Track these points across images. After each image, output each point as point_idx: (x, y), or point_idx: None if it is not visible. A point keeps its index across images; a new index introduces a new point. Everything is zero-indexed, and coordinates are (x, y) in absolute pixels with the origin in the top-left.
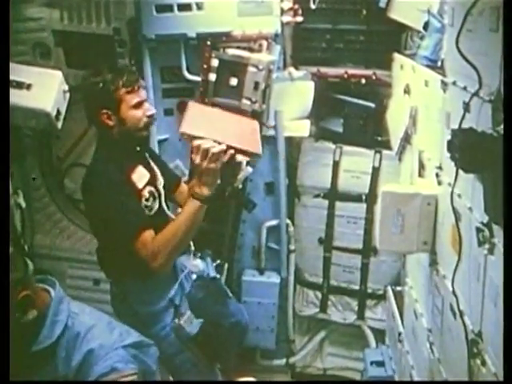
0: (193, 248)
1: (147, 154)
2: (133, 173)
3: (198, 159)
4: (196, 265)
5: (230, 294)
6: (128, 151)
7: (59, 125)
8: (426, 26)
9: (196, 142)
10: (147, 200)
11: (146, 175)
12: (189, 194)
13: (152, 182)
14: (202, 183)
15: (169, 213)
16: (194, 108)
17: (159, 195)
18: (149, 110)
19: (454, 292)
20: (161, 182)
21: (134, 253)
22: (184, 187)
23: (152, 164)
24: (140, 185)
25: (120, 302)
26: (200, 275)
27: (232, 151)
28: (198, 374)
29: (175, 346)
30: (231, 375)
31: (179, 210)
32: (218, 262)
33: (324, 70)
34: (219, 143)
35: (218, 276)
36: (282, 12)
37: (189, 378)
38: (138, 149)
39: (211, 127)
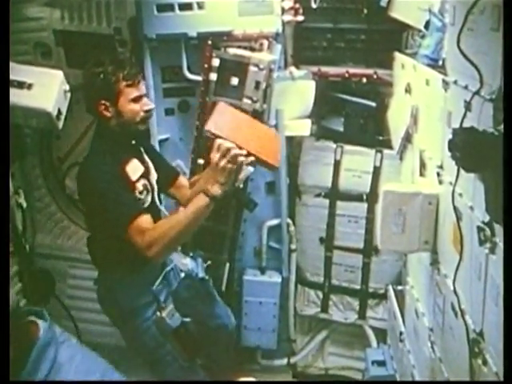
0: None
1: (143, 149)
2: (127, 165)
3: (216, 157)
4: (185, 263)
5: (218, 297)
6: (124, 144)
7: (60, 124)
8: (427, 25)
9: (218, 141)
10: (140, 193)
11: (140, 168)
12: (196, 190)
13: (146, 175)
14: (215, 181)
15: (161, 207)
16: (222, 109)
17: (152, 189)
18: (147, 105)
19: (455, 291)
20: (154, 176)
21: (129, 241)
22: (182, 182)
23: (146, 158)
24: (134, 177)
25: (105, 293)
26: (188, 274)
27: (252, 158)
28: (179, 368)
29: (156, 339)
30: (220, 375)
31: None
32: (209, 263)
33: (325, 69)
34: (240, 148)
35: (207, 277)
36: (283, 11)
37: (169, 372)
38: (134, 142)
39: (235, 131)
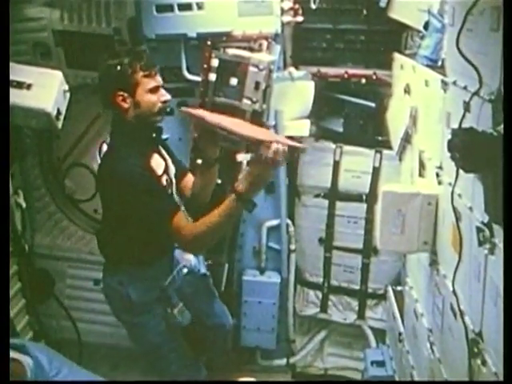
0: None
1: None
2: (151, 160)
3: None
4: (188, 259)
5: (217, 296)
6: (144, 138)
7: (59, 125)
8: (426, 25)
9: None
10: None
11: (162, 163)
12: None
13: (166, 170)
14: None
15: (179, 202)
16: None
17: (171, 184)
18: (164, 96)
19: (454, 292)
20: (172, 170)
21: (170, 235)
22: (190, 178)
23: (164, 152)
24: (159, 172)
25: (115, 287)
26: (191, 270)
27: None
28: (183, 365)
29: (163, 335)
30: (218, 375)
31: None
32: (210, 262)
33: (324, 69)
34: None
35: (208, 273)
36: (283, 12)
37: (173, 369)
38: (154, 135)
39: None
